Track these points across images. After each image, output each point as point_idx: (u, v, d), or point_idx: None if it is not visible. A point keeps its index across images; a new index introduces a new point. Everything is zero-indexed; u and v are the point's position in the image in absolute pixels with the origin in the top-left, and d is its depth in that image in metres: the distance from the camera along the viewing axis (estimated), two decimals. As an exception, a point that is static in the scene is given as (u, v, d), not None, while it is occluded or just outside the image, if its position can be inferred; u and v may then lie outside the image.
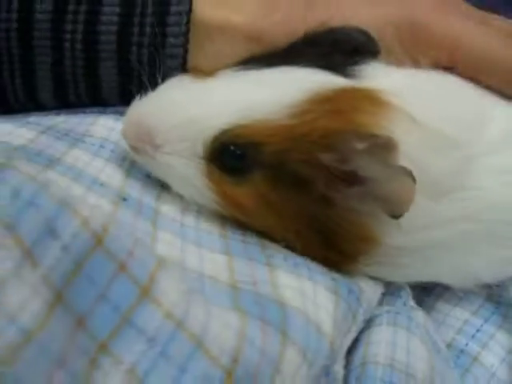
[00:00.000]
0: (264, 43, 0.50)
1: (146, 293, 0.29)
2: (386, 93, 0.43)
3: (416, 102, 0.44)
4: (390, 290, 0.51)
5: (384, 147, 0.39)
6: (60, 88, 0.54)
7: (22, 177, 0.27)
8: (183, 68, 0.51)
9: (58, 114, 0.52)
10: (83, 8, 0.50)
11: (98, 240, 0.28)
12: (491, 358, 0.52)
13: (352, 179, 0.41)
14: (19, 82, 0.54)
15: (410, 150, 0.42)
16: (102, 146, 0.48)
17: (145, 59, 0.51)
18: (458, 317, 0.55)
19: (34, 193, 0.27)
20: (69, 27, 0.50)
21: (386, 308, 0.50)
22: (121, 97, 0.54)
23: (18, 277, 0.25)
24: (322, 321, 0.40)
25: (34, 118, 0.49)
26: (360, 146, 0.39)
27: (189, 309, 0.31)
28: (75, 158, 0.45)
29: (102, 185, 0.42)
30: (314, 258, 0.45)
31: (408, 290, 0.52)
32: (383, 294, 0.50)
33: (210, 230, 0.45)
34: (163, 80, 0.49)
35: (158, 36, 0.50)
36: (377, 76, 0.46)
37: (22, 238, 0.26)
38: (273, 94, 0.42)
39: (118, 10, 0.50)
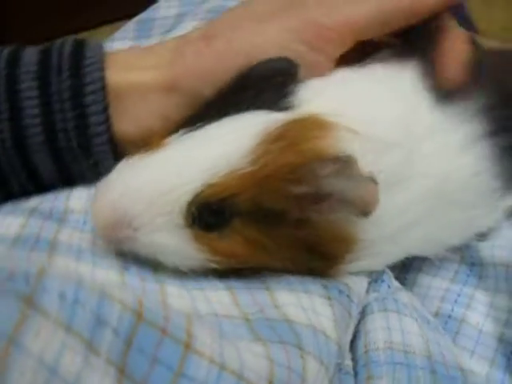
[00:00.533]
0: (179, 91, 0.53)
1: (188, 347, 0.36)
2: (324, 114, 0.48)
3: (349, 112, 0.49)
4: (373, 277, 0.57)
5: (347, 164, 0.43)
6: (2, 181, 0.56)
7: (58, 279, 0.32)
8: (111, 141, 0.54)
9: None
10: (4, 106, 0.52)
11: (139, 315, 0.34)
12: (476, 316, 0.59)
13: (321, 197, 0.46)
14: None
15: (360, 159, 0.47)
16: (85, 222, 0.52)
17: (74, 143, 0.53)
18: (439, 287, 0.62)
19: (75, 291, 0.32)
20: None
21: (373, 295, 0.56)
22: (63, 180, 0.57)
23: (89, 366, 0.31)
24: (325, 327, 0.46)
25: (11, 206, 0.53)
26: (326, 171, 0.43)
27: (223, 351, 0.37)
28: (68, 235, 0.49)
29: (102, 257, 0.46)
30: (303, 271, 0.50)
31: (389, 272, 0.59)
32: (368, 283, 0.57)
33: (205, 271, 0.49)
34: (95, 159, 0.53)
35: (80, 118, 0.53)
36: (309, 99, 0.49)
37: (81, 335, 0.31)
38: (228, 147, 0.45)
39: (37, 101, 0.52)
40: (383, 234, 0.52)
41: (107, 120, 0.53)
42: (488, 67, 0.60)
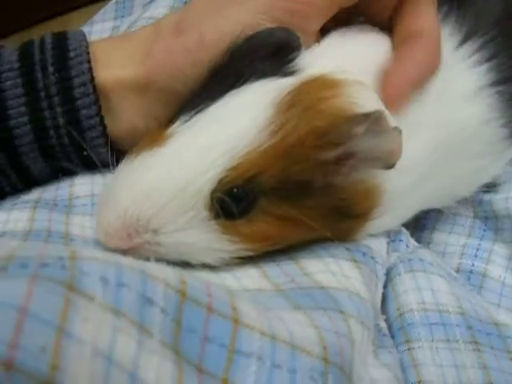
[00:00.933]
0: (154, 88, 0.51)
1: (237, 322, 0.34)
2: (330, 73, 0.47)
3: (353, 67, 0.48)
4: (391, 237, 0.56)
5: (378, 120, 0.42)
6: None
7: (97, 263, 0.30)
8: (105, 135, 0.52)
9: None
10: None
11: (183, 293, 0.32)
12: (497, 269, 0.59)
13: (344, 158, 0.45)
14: None
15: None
16: (93, 204, 0.51)
17: (65, 139, 0.51)
18: (456, 243, 0.62)
19: (116, 273, 0.30)
20: None
21: (394, 255, 0.55)
22: (55, 176, 0.55)
23: (145, 350, 0.29)
24: (358, 289, 0.45)
25: (12, 201, 0.52)
26: (360, 129, 0.42)
27: (271, 322, 0.36)
28: (79, 227, 0.47)
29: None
30: (328, 237, 0.48)
31: (406, 231, 0.58)
32: (387, 244, 0.56)
33: None
34: (89, 153, 0.51)
35: (70, 112, 0.51)
36: (311, 62, 0.48)
37: (131, 317, 0.29)
38: (242, 124, 0.42)
39: (23, 100, 0.50)
40: (402, 185, 0.51)
41: (99, 112, 0.51)
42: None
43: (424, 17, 0.51)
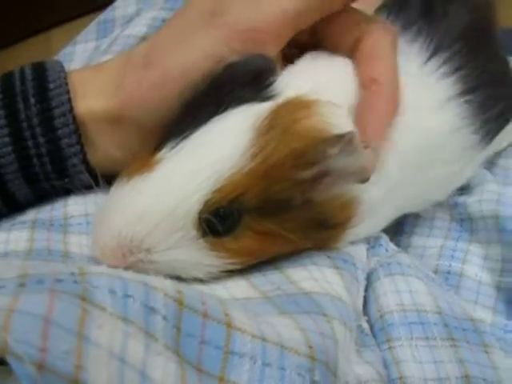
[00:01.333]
0: (125, 121, 0.54)
1: (230, 326, 0.38)
2: (303, 95, 0.49)
3: (325, 88, 0.52)
4: (371, 243, 0.61)
5: (350, 140, 0.46)
6: None
7: (104, 277, 0.34)
8: (85, 162, 0.55)
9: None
10: None
11: (180, 302, 0.37)
12: (473, 269, 0.63)
13: (321, 176, 0.48)
14: None
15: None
16: (88, 223, 0.54)
17: (48, 167, 0.54)
18: (434, 245, 0.66)
19: (122, 286, 0.34)
20: None
21: (374, 259, 0.59)
22: (38, 199, 0.57)
23: (151, 352, 0.33)
24: (340, 294, 0.49)
25: (8, 221, 0.55)
26: (334, 150, 0.46)
27: (260, 326, 0.40)
28: (77, 245, 0.51)
29: None
30: (310, 246, 0.53)
31: (385, 236, 0.62)
32: (367, 250, 0.60)
33: None
34: (71, 179, 0.54)
35: (52, 141, 0.53)
36: (286, 86, 0.51)
37: (137, 323, 0.33)
38: (225, 149, 0.46)
39: (6, 130, 0.52)
40: (378, 194, 0.55)
41: (79, 141, 0.54)
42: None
43: (381, 67, 0.54)
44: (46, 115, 0.53)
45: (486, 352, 0.54)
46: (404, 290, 0.56)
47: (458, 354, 0.52)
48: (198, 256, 0.47)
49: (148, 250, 0.46)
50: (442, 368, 0.51)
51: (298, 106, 0.48)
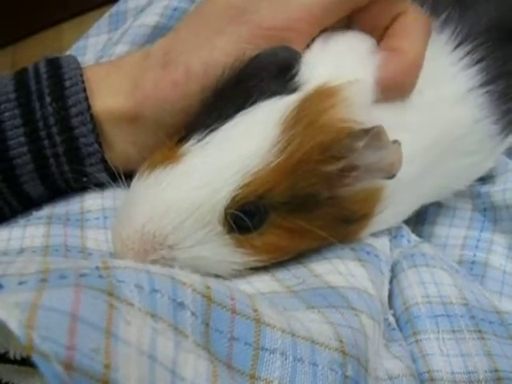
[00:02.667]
0: (143, 119, 0.54)
1: (259, 322, 0.37)
2: (326, 83, 0.49)
3: (346, 72, 0.51)
4: (393, 234, 0.60)
5: (377, 135, 0.45)
6: None
7: (129, 271, 0.33)
8: (103, 161, 0.55)
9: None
10: None
11: (208, 298, 0.36)
12: (498, 258, 0.63)
13: (348, 170, 0.48)
14: None
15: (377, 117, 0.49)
16: (105, 217, 0.54)
17: (65, 167, 0.54)
18: (457, 235, 0.66)
19: (149, 281, 0.33)
20: None
21: (397, 251, 0.59)
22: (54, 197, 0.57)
23: (182, 350, 0.32)
24: (366, 287, 0.49)
25: (25, 216, 0.55)
26: (360, 144, 0.45)
27: (289, 321, 0.39)
28: (94, 241, 0.51)
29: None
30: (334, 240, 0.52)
31: (406, 228, 0.62)
32: (389, 241, 0.59)
33: None
34: (89, 179, 0.53)
35: (69, 141, 0.53)
36: (310, 74, 0.50)
37: (167, 320, 0.32)
38: (253, 143, 0.46)
39: (21, 130, 0.52)
40: (402, 183, 0.53)
41: (97, 139, 0.53)
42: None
43: (407, 43, 0.53)
44: (62, 114, 0.52)
45: None
46: (429, 281, 0.55)
47: (486, 347, 0.51)
48: (222, 253, 0.46)
49: (171, 247, 0.45)
50: (470, 361, 0.50)
51: (322, 96, 0.48)
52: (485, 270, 0.62)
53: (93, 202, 0.55)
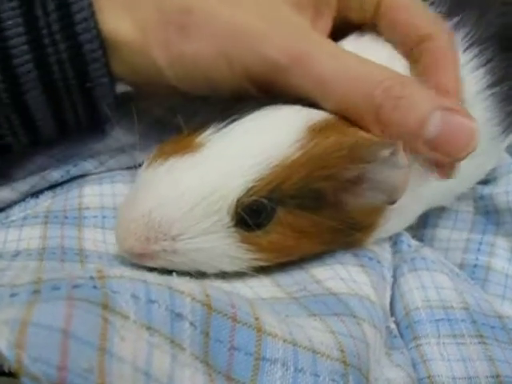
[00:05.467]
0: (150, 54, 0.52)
1: (260, 330, 0.37)
2: None
3: None
4: (393, 239, 0.59)
5: (397, 152, 0.45)
6: None
7: (125, 281, 0.32)
8: (107, 65, 0.53)
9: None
10: None
11: (208, 306, 0.35)
12: (500, 262, 0.62)
13: (359, 180, 0.47)
14: None
15: None
16: (104, 217, 0.53)
17: (69, 73, 0.52)
18: (459, 238, 0.65)
19: (146, 290, 0.32)
20: None
21: (397, 256, 0.58)
22: (57, 128, 0.56)
23: (178, 364, 0.31)
24: (368, 293, 0.48)
25: (19, 212, 0.53)
26: (384, 153, 0.45)
27: (291, 329, 0.39)
28: (92, 241, 0.49)
29: (132, 266, 0.46)
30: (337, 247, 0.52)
31: (406, 232, 0.61)
32: (390, 246, 0.59)
33: None
34: (92, 85, 0.52)
35: (73, 47, 0.51)
36: None
37: (163, 332, 0.31)
38: (274, 137, 0.45)
39: (24, 38, 0.50)
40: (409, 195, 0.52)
41: (102, 45, 0.52)
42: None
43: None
44: (66, 21, 0.51)
45: None
46: (429, 285, 0.55)
47: (487, 352, 0.50)
48: (225, 246, 0.45)
49: (174, 238, 0.43)
50: (471, 366, 0.49)
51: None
52: (487, 273, 0.61)
53: (91, 198, 0.54)
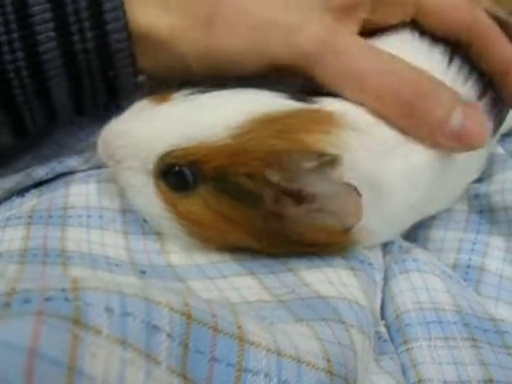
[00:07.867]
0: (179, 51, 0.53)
1: (242, 340, 0.35)
2: (334, 110, 0.48)
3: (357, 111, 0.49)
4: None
5: (330, 165, 0.43)
6: (16, 120, 0.54)
7: (100, 293, 0.31)
8: (132, 55, 0.53)
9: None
10: (16, 35, 0.49)
11: (188, 316, 0.33)
12: (494, 262, 0.60)
13: (300, 196, 0.45)
14: None
15: (359, 163, 0.47)
16: (88, 216, 0.52)
17: (94, 63, 0.52)
18: (453, 238, 0.63)
19: (120, 302, 0.31)
20: (8, 57, 0.50)
21: (388, 258, 0.57)
22: (76, 112, 0.57)
23: (152, 380, 0.30)
24: (357, 297, 0.47)
25: (4, 211, 0.53)
26: (308, 164, 0.43)
27: (275, 337, 0.37)
28: (75, 242, 0.48)
29: (117, 265, 0.46)
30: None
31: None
32: (381, 248, 0.58)
33: (222, 258, 0.50)
34: (117, 75, 0.53)
35: (101, 36, 0.51)
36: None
37: (138, 347, 0.30)
38: (215, 117, 0.46)
39: (52, 25, 0.50)
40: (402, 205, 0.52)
41: (129, 36, 0.51)
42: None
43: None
44: (95, 9, 0.50)
45: (509, 354, 0.51)
46: (420, 287, 0.53)
47: (480, 356, 0.49)
48: (144, 188, 0.49)
49: (116, 162, 0.50)
50: (463, 370, 0.48)
51: (318, 119, 0.46)
52: (480, 274, 0.59)
53: (77, 198, 0.53)
